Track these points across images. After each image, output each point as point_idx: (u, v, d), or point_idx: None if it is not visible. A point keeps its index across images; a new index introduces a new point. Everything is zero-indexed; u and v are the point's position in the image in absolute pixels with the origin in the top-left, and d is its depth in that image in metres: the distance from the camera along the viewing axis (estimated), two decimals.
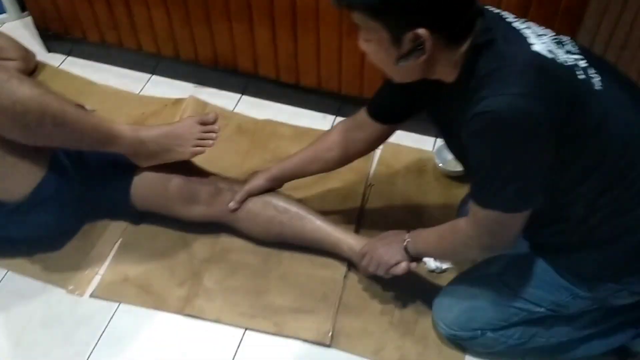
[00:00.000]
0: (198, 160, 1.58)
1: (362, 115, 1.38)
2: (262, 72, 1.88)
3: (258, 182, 1.50)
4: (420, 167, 1.75)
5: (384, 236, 1.38)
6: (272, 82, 1.89)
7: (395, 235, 1.36)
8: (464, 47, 1.03)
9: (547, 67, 1.00)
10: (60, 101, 1.29)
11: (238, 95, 1.97)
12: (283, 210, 1.50)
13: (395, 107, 1.33)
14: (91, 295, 1.49)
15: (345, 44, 1.70)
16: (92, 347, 1.40)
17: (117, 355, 1.39)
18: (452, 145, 1.27)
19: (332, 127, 1.51)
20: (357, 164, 1.74)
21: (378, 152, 1.79)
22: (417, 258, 1.33)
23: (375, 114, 1.36)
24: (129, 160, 1.47)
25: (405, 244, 1.32)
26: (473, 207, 1.11)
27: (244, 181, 1.53)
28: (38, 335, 1.42)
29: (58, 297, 1.49)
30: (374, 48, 1.06)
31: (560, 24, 1.47)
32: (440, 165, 1.69)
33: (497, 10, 1.10)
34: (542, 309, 1.24)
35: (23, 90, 1.23)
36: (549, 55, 1.01)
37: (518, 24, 1.06)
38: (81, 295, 1.49)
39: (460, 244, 1.20)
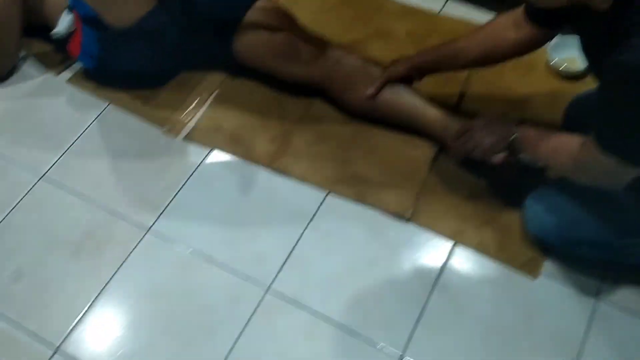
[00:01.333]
0: (302, 24, 1.56)
1: (518, 13, 1.27)
2: None
3: (398, 68, 1.44)
4: (531, 60, 1.64)
5: (490, 121, 1.32)
6: None
7: (503, 125, 1.29)
8: None
9: None
10: None
11: None
12: None
13: (552, 9, 1.16)
14: (185, 138, 1.54)
15: None
16: (182, 184, 1.46)
17: (204, 194, 1.45)
18: (591, 64, 1.17)
19: (486, 22, 1.38)
20: None
21: None
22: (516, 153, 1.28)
23: (531, 13, 1.24)
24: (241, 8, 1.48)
25: (512, 137, 1.26)
26: (593, 145, 1.03)
27: (348, 47, 1.50)
28: (132, 165, 1.50)
29: (154, 136, 1.55)
30: None
31: None
32: (554, 61, 1.59)
33: None
34: None
35: None
36: None
37: None
38: (176, 136, 1.54)
39: (569, 168, 1.15)
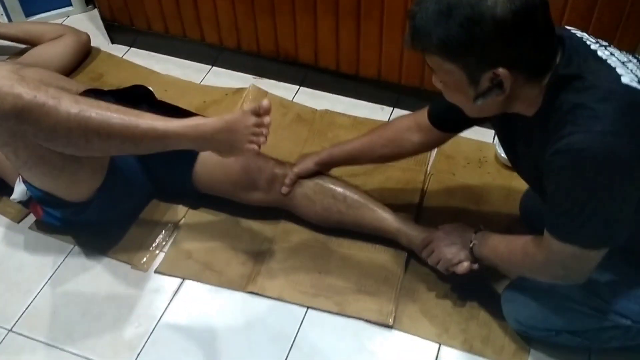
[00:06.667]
0: None
1: (422, 117, 1.37)
2: (322, 63, 1.91)
3: (307, 165, 1.51)
4: (480, 157, 1.74)
5: (449, 231, 1.36)
6: (331, 73, 1.92)
7: (461, 234, 1.34)
8: (545, 80, 1.00)
9: (638, 100, 0.95)
10: (103, 113, 1.22)
11: (296, 87, 2.00)
12: (341, 199, 1.50)
13: (454, 117, 1.23)
14: (155, 271, 1.52)
15: None
16: (157, 320, 1.42)
17: (181, 329, 1.41)
18: (522, 170, 1.24)
19: (390, 120, 1.52)
20: None
21: None
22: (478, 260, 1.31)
23: (435, 121, 1.35)
24: None
25: (471, 245, 1.30)
26: (548, 238, 1.06)
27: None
28: (104, 307, 1.45)
29: (123, 273, 1.52)
30: (450, 88, 1.05)
31: (622, 34, 1.48)
32: (503, 155, 1.69)
33: (579, 35, 1.04)
34: (629, 321, 1.18)
35: (60, 111, 1.19)
36: (638, 87, 0.96)
37: (601, 52, 1.01)
38: (145, 271, 1.52)
39: (529, 268, 1.17)
